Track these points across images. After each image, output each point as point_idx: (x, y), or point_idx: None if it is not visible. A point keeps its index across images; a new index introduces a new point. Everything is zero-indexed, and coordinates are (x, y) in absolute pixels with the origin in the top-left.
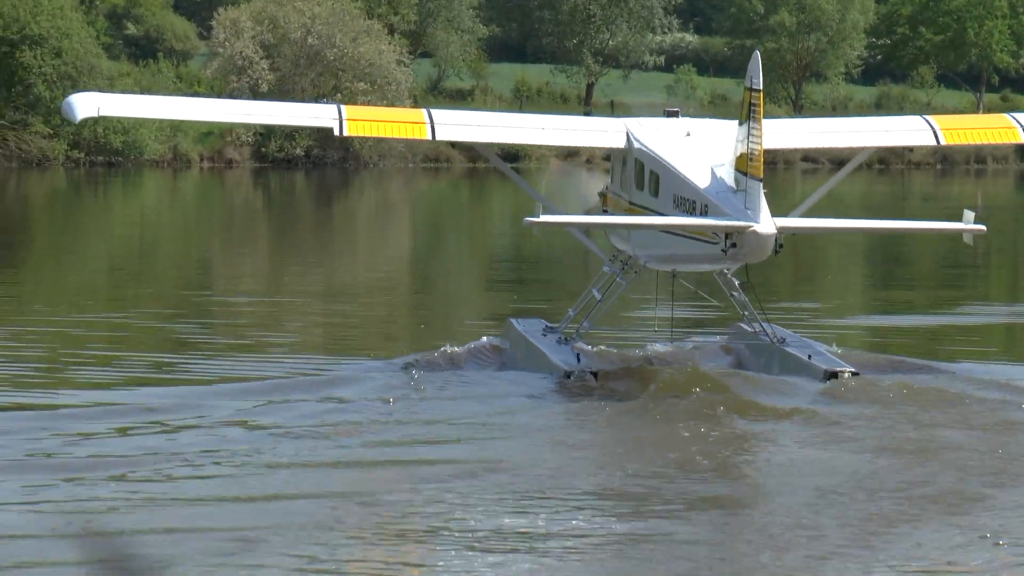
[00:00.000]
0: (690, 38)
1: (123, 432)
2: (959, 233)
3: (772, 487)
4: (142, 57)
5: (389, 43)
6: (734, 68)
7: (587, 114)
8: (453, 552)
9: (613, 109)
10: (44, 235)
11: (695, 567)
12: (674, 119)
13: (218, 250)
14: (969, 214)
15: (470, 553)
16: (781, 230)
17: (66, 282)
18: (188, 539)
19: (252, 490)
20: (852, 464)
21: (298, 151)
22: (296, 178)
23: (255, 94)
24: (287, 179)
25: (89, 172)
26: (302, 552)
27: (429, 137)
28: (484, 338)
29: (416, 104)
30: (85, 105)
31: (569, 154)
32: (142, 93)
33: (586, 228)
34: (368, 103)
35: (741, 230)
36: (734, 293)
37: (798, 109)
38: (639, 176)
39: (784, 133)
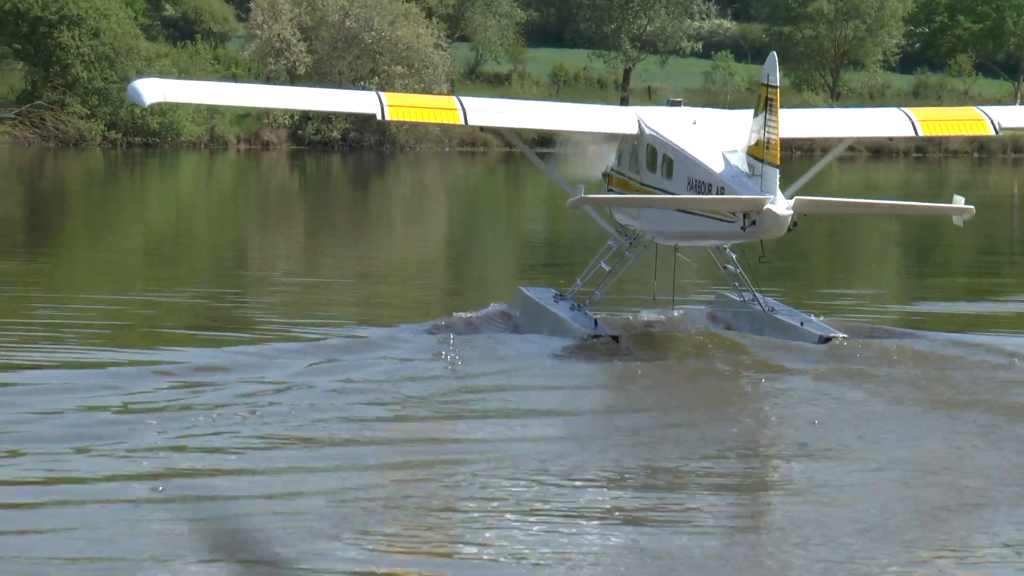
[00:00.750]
0: (728, 24)
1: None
2: (950, 215)
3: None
4: (180, 38)
5: (427, 27)
6: None
7: (623, 100)
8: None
9: (650, 95)
10: (82, 215)
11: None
12: (679, 108)
13: (260, 231)
14: (959, 198)
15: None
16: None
17: (111, 260)
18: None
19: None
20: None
21: (335, 134)
22: (332, 161)
23: (292, 77)
24: (324, 161)
25: (126, 153)
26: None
27: (462, 122)
28: (492, 304)
29: (452, 88)
30: (152, 91)
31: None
32: (180, 75)
33: (619, 206)
34: (405, 87)
35: (769, 210)
36: (728, 265)
37: (835, 97)
38: (651, 159)
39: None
